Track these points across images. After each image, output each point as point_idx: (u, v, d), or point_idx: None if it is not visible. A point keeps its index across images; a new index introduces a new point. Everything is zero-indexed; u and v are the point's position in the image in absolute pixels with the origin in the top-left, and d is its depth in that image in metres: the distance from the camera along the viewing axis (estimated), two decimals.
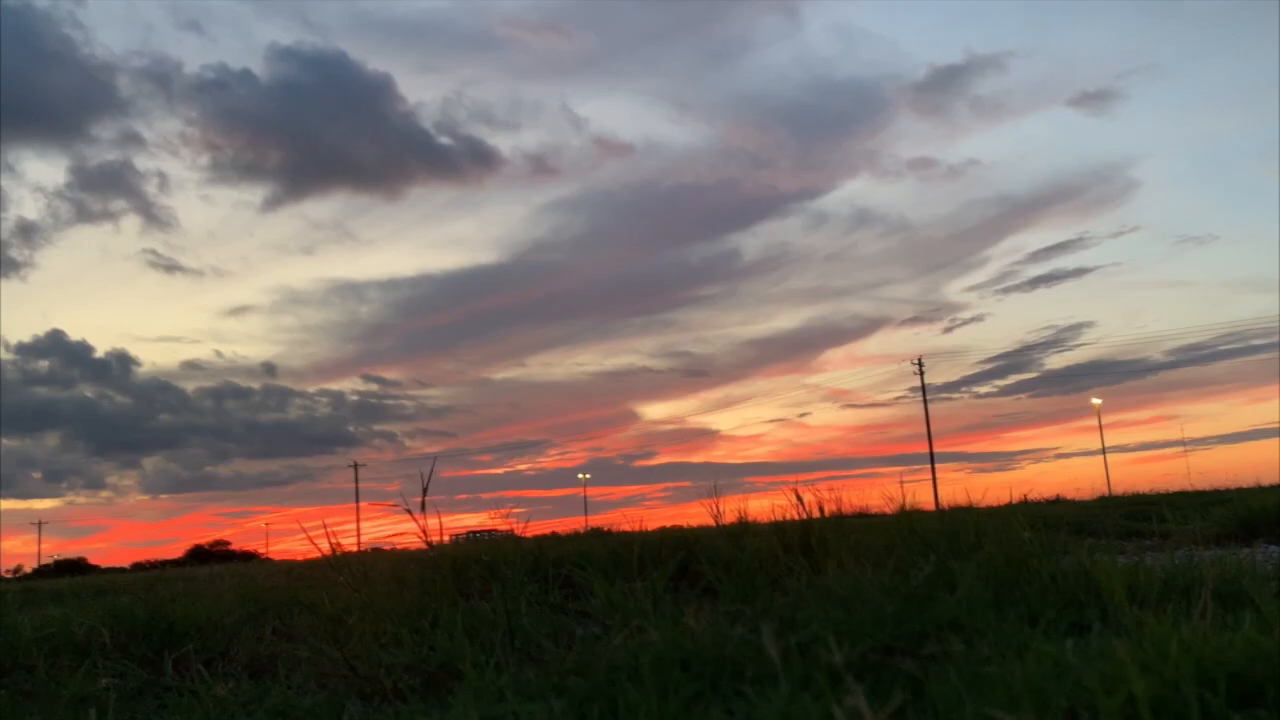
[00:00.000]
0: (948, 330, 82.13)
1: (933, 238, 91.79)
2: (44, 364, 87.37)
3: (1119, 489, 11.16)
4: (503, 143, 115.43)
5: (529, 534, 2.95)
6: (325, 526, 4.58)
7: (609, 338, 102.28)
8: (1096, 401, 55.23)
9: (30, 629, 1.99)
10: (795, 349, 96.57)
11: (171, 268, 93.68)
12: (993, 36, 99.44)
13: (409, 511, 3.00)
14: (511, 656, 1.43)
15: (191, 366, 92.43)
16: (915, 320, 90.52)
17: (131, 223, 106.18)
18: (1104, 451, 55.15)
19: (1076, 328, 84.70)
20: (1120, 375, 68.45)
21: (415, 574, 2.10)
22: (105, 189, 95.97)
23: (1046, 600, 1.29)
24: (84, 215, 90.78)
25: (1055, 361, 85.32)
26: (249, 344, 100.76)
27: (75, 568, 55.18)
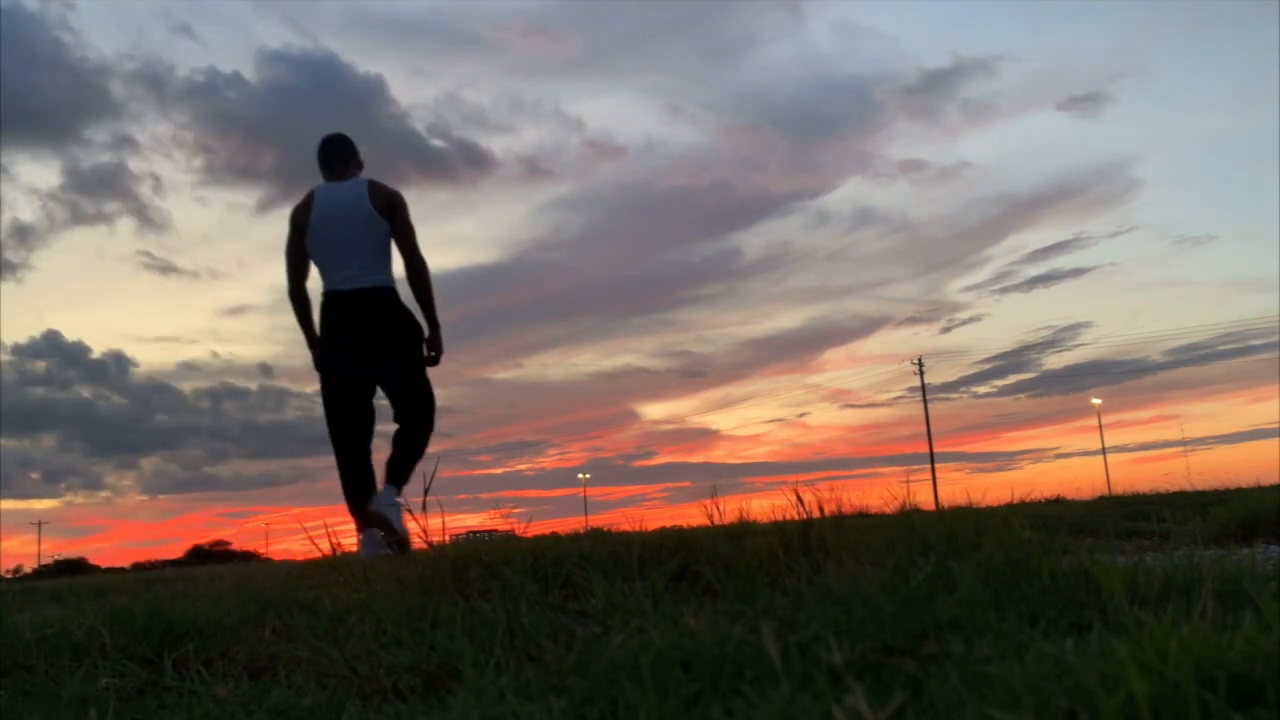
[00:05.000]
0: (945, 330, 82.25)
1: (933, 237, 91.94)
2: (41, 365, 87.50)
3: (1119, 489, 11.13)
4: (496, 145, 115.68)
5: (529, 534, 2.94)
6: (326, 526, 4.56)
7: (608, 337, 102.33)
8: (1096, 401, 55.26)
9: (30, 629, 1.98)
10: (795, 349, 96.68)
11: (166, 269, 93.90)
12: (985, 39, 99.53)
13: (409, 511, 3.00)
14: (511, 656, 1.43)
15: (188, 367, 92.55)
16: (913, 320, 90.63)
17: (126, 225, 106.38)
18: (1104, 451, 55.18)
19: (1075, 328, 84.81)
20: (1120, 375, 68.48)
21: (415, 574, 2.10)
22: (99, 191, 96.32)
23: (1046, 600, 1.29)
24: (79, 217, 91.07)
25: (1054, 361, 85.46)
26: (246, 344, 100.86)
27: (75, 568, 55.16)
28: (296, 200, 4.59)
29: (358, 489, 4.26)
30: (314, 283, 4.56)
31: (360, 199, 4.38)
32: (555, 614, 1.64)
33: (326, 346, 4.35)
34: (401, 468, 4.22)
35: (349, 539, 4.73)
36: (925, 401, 52.14)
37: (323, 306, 4.38)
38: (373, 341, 4.27)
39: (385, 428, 4.59)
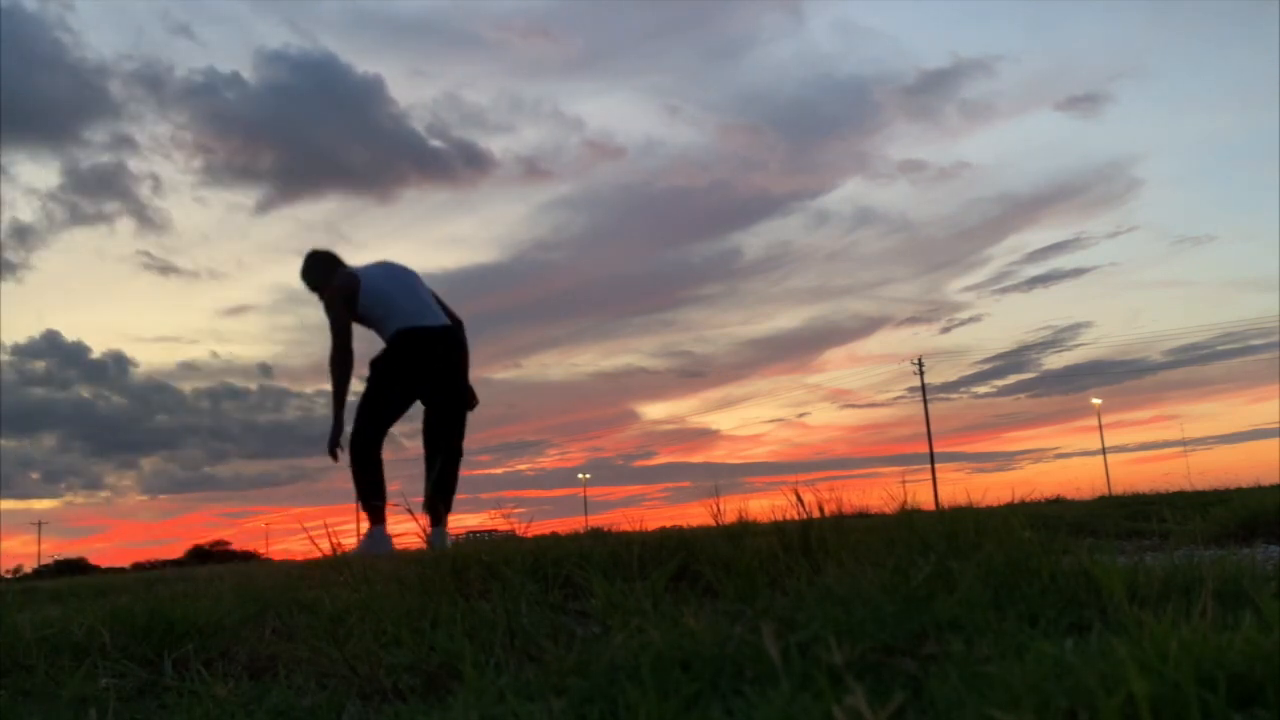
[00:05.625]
0: (945, 330, 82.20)
1: (933, 237, 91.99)
2: (41, 365, 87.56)
3: (1119, 489, 11.12)
4: (495, 145, 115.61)
5: (529, 534, 2.94)
6: (326, 526, 4.59)
7: (608, 337, 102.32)
8: (1096, 401, 55.22)
9: (30, 629, 1.98)
10: (795, 349, 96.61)
11: (166, 269, 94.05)
12: (984, 39, 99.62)
13: (409, 511, 3.00)
14: (511, 656, 1.43)
15: (188, 367, 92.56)
16: (913, 320, 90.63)
17: (126, 225, 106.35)
18: (1104, 451, 55.13)
19: (1075, 328, 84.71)
20: (1120, 375, 68.36)
21: (415, 574, 2.10)
22: (99, 191, 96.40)
23: (1046, 600, 1.29)
24: (78, 218, 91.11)
25: (1054, 361, 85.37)
26: (245, 344, 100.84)
27: (75, 568, 55.13)
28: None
29: (380, 487, 4.73)
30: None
31: (400, 265, 5.02)
32: (555, 614, 1.64)
33: (398, 374, 4.75)
34: (444, 507, 4.76)
35: (349, 539, 4.75)
36: (925, 401, 52.16)
37: (401, 341, 4.74)
38: (447, 373, 4.81)
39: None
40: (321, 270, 5.06)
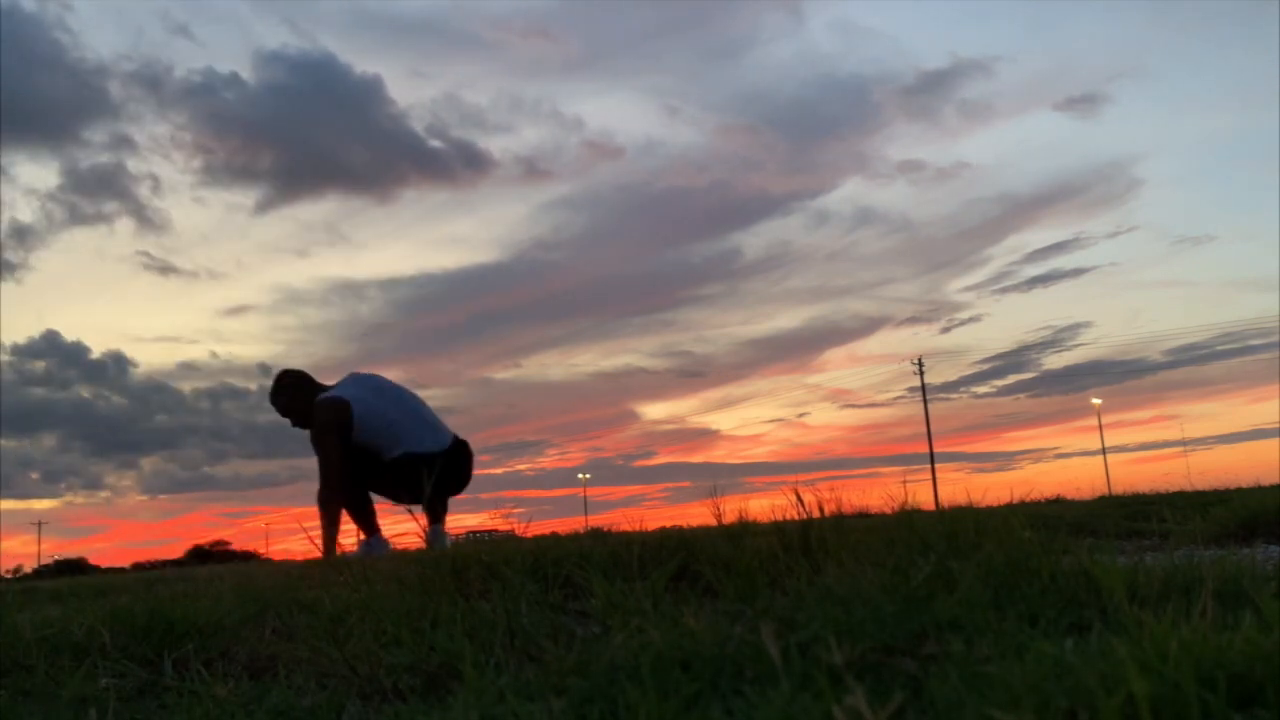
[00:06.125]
0: (945, 330, 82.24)
1: (933, 237, 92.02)
2: (41, 365, 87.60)
3: (1119, 489, 11.09)
4: (494, 146, 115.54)
5: (529, 534, 2.94)
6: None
7: (608, 337, 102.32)
8: (1096, 401, 55.26)
9: (30, 629, 1.98)
10: (795, 349, 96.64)
11: (166, 269, 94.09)
12: (983, 40, 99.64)
13: (410, 511, 3.00)
14: (511, 656, 1.43)
15: (188, 367, 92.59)
16: (913, 320, 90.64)
17: (125, 225, 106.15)
18: (1104, 451, 55.18)
19: (1075, 328, 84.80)
20: (1120, 375, 68.39)
21: (415, 574, 2.10)
22: (98, 192, 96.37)
23: (1046, 600, 1.29)
24: (78, 218, 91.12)
25: (1054, 361, 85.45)
26: (245, 344, 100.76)
27: (75, 568, 55.06)
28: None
29: (368, 509, 4.82)
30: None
31: (382, 378, 4.90)
32: (555, 614, 1.64)
33: (401, 483, 4.66)
34: (442, 507, 4.87)
35: (348, 539, 4.76)
36: (925, 401, 52.17)
37: (410, 463, 4.59)
38: (455, 484, 4.82)
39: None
40: (296, 395, 4.79)
